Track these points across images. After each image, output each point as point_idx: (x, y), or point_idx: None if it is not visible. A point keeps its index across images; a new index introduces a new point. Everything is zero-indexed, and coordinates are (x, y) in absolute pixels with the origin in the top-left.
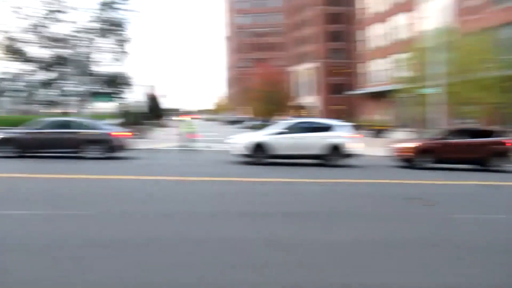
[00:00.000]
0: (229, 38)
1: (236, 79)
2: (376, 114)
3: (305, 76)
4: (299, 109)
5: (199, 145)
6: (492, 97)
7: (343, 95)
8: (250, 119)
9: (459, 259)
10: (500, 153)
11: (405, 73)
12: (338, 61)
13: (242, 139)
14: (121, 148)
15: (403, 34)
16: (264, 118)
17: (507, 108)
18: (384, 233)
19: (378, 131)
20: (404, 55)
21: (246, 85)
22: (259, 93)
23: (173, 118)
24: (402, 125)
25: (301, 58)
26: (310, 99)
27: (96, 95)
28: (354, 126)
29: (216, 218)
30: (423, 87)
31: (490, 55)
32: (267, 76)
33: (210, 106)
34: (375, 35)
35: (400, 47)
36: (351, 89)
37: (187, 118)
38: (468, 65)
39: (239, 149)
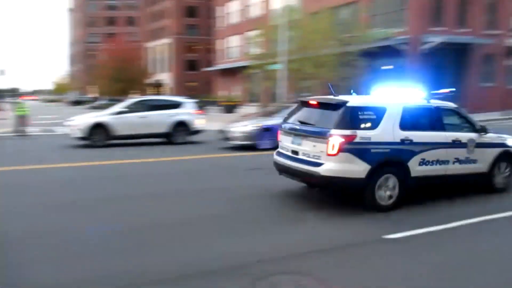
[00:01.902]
0: (73, 10)
1: (82, 56)
2: (230, 90)
3: (160, 52)
4: (156, 87)
5: (33, 130)
6: (328, 72)
7: (199, 71)
8: (96, 99)
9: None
10: None
11: (256, 50)
12: (194, 37)
13: (81, 121)
14: None
15: (256, 12)
16: (112, 97)
17: (342, 82)
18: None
19: (229, 107)
20: (255, 33)
21: (94, 62)
22: (108, 70)
23: (10, 99)
24: (252, 100)
25: (157, 34)
26: (164, 76)
27: None
28: (199, 102)
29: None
30: (271, 63)
31: (330, 34)
32: (118, 52)
33: (51, 85)
34: (232, 11)
35: (253, 25)
36: (208, 66)
37: (20, 99)
38: (309, 43)
39: (77, 132)
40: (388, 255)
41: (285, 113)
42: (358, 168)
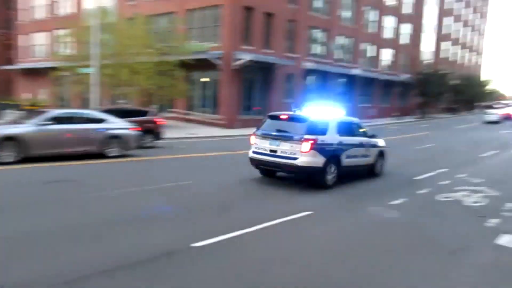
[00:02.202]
0: None
1: None
2: (36, 93)
3: None
4: None
5: None
6: (144, 80)
7: None
8: None
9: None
10: (152, 130)
11: (65, 51)
12: None
13: None
14: None
15: (66, 9)
16: None
17: (160, 91)
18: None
19: (30, 112)
20: (65, 32)
21: None
22: None
23: None
24: (63, 105)
25: None
26: None
27: None
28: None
29: None
30: (82, 66)
31: (146, 41)
32: None
33: None
34: (37, 5)
35: (62, 23)
36: (8, 64)
37: None
38: (125, 49)
39: None
40: (193, 264)
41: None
42: (319, 160)
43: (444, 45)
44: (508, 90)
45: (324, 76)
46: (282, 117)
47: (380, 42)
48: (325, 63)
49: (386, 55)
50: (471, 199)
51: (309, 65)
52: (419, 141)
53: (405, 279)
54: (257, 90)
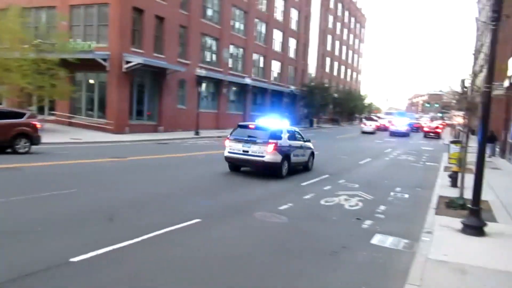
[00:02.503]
0: None
1: None
2: None
3: None
4: None
5: None
6: (20, 78)
7: None
8: None
9: None
10: (26, 134)
11: None
12: None
13: None
14: None
15: None
16: None
17: (38, 91)
18: None
19: None
20: None
21: None
22: None
23: None
24: None
25: None
26: None
27: None
28: None
29: None
30: None
31: (20, 36)
32: None
33: None
34: None
35: None
36: None
37: None
38: None
39: None
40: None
41: None
42: (278, 158)
43: (328, 61)
44: (382, 104)
45: (217, 84)
46: (250, 126)
47: (270, 54)
48: (217, 71)
49: (276, 67)
50: (350, 203)
51: (201, 72)
52: None
53: (287, 281)
54: (148, 94)
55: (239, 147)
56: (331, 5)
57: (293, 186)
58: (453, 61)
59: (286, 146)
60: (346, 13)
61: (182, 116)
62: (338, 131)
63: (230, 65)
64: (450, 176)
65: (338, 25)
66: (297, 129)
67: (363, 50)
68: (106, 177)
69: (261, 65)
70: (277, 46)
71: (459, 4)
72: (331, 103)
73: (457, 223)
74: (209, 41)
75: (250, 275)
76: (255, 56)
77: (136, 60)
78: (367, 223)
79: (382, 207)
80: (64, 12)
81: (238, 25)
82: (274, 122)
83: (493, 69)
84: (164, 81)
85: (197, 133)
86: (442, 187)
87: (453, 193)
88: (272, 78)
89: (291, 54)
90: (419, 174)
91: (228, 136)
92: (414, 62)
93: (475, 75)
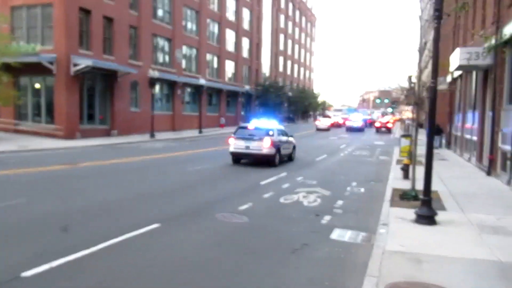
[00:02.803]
0: None
1: None
2: None
3: None
4: None
5: None
6: None
7: None
8: None
9: None
10: None
11: None
12: None
13: None
14: None
15: None
16: None
17: None
18: None
19: None
20: None
21: None
22: None
23: None
24: None
25: None
26: None
27: None
28: None
29: None
30: None
31: None
32: None
33: None
34: None
35: None
36: None
37: None
38: None
39: None
40: None
41: None
42: (273, 151)
43: (281, 60)
44: (335, 101)
45: (171, 85)
46: (249, 127)
47: (223, 54)
48: (171, 72)
49: (230, 67)
50: (309, 200)
51: (154, 73)
52: None
53: (250, 282)
54: (99, 98)
55: (242, 144)
56: (282, 5)
57: (252, 186)
58: (400, 58)
59: (278, 142)
60: (297, 13)
61: (136, 119)
62: (294, 129)
63: (183, 66)
64: (402, 169)
65: (290, 24)
66: (283, 128)
67: (315, 48)
68: (58, 185)
69: (215, 65)
70: (230, 46)
71: (404, 2)
72: (285, 102)
73: (410, 214)
74: (161, 42)
75: (212, 279)
76: (208, 57)
77: (84, 62)
78: (326, 218)
79: (340, 202)
80: (4, 14)
81: (191, 25)
82: (266, 122)
83: (437, 65)
84: (115, 83)
85: (152, 136)
86: (395, 180)
87: (406, 185)
88: (226, 78)
89: (245, 53)
90: (373, 168)
91: (233, 135)
92: (364, 60)
93: (420, 71)
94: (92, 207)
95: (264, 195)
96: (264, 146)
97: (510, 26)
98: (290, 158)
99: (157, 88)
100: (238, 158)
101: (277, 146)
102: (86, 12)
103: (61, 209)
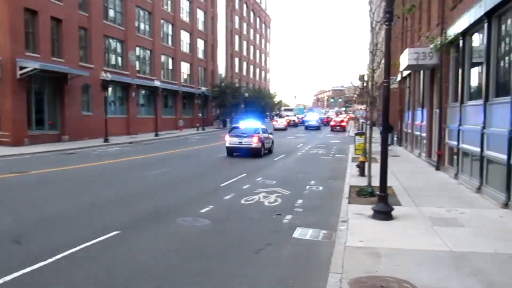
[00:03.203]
0: None
1: None
2: None
3: None
4: None
5: None
6: None
7: None
8: None
9: None
10: None
11: None
12: None
13: None
14: None
15: None
16: None
17: None
18: None
19: None
20: None
21: None
22: None
23: None
24: None
25: None
26: None
27: None
28: None
29: None
30: None
31: None
32: None
33: None
34: None
35: None
36: None
37: None
38: None
39: None
40: None
41: None
42: (260, 145)
43: (237, 61)
44: (291, 101)
45: (125, 88)
46: (241, 127)
47: (178, 56)
48: (124, 75)
49: (185, 68)
50: (269, 200)
51: (107, 76)
52: (221, 150)
53: (214, 284)
54: (48, 102)
55: (235, 140)
56: (237, 6)
57: (213, 188)
58: (353, 57)
59: (262, 138)
60: (251, 14)
61: (89, 123)
62: None
63: (137, 68)
64: (358, 166)
65: (245, 25)
66: (264, 127)
67: (270, 49)
68: (6, 195)
69: (170, 67)
70: (185, 48)
71: (355, 3)
72: (242, 103)
73: (368, 210)
74: (114, 44)
75: (176, 286)
76: (163, 58)
77: (31, 65)
78: (288, 218)
79: (300, 201)
80: None
81: (144, 26)
82: (253, 123)
83: (389, 65)
84: (66, 87)
85: (106, 140)
86: (352, 177)
87: (362, 181)
88: (182, 80)
89: (200, 55)
90: (330, 166)
91: (228, 133)
92: (318, 59)
93: (373, 70)
94: (47, 216)
95: (225, 197)
96: (253, 142)
97: (453, 27)
98: (270, 150)
99: (110, 91)
100: (232, 151)
101: (262, 141)
102: (32, 13)
103: (12, 221)
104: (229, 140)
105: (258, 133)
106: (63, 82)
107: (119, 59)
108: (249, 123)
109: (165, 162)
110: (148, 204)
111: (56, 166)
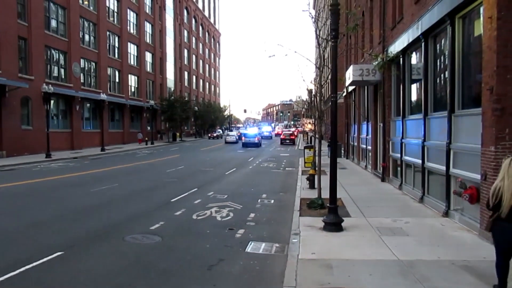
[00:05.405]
0: None
1: None
2: None
3: None
4: None
5: None
6: None
7: None
8: None
9: None
10: None
11: None
12: None
13: None
14: None
15: None
16: None
17: None
18: None
19: None
20: None
21: None
22: None
23: None
24: None
25: None
26: None
27: None
28: None
29: None
30: None
31: None
32: None
33: None
34: None
35: None
36: None
37: None
38: None
39: None
40: None
41: None
42: (260, 141)
43: (186, 74)
44: (241, 115)
45: (68, 101)
46: (249, 132)
47: (125, 68)
48: (68, 87)
49: (133, 81)
50: (221, 214)
51: (49, 88)
52: (171, 164)
53: None
54: None
55: (247, 139)
56: (185, 20)
57: (163, 204)
58: (301, 72)
59: (260, 137)
60: (200, 28)
61: (29, 138)
62: (202, 143)
63: (82, 80)
64: (307, 179)
65: (193, 39)
66: (258, 131)
67: (220, 63)
68: None
69: (117, 79)
70: (132, 60)
71: (303, 20)
72: (192, 116)
73: (319, 222)
74: (56, 55)
75: None
76: (109, 71)
77: None
78: (240, 232)
79: (252, 215)
80: None
81: (88, 37)
82: (254, 129)
83: (336, 80)
84: (3, 99)
85: (48, 156)
86: (303, 190)
87: (313, 194)
88: (129, 93)
89: (148, 68)
90: (281, 179)
91: (242, 137)
92: (267, 74)
93: (321, 85)
94: None
95: (175, 212)
96: (256, 140)
97: (394, 46)
98: (260, 145)
99: (52, 103)
100: (245, 145)
101: (259, 139)
102: None
103: None
104: (243, 139)
105: (258, 135)
106: (0, 94)
107: (62, 71)
108: (252, 129)
109: (112, 178)
110: (95, 221)
111: None
